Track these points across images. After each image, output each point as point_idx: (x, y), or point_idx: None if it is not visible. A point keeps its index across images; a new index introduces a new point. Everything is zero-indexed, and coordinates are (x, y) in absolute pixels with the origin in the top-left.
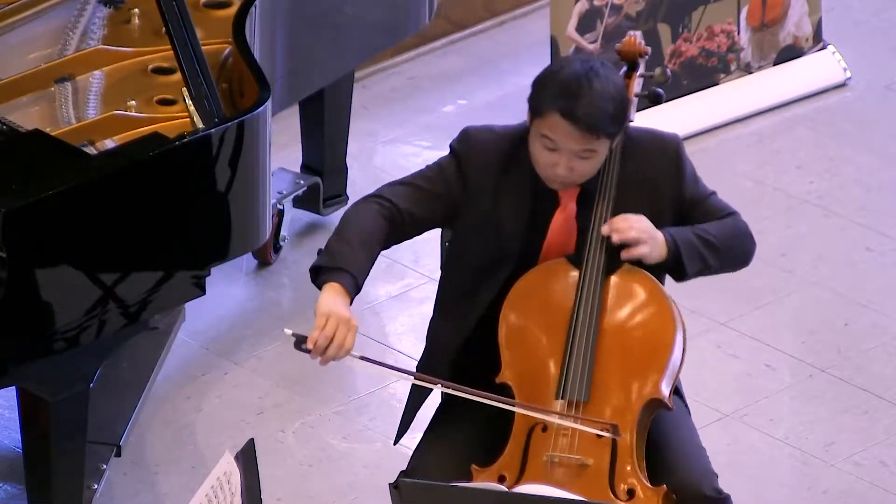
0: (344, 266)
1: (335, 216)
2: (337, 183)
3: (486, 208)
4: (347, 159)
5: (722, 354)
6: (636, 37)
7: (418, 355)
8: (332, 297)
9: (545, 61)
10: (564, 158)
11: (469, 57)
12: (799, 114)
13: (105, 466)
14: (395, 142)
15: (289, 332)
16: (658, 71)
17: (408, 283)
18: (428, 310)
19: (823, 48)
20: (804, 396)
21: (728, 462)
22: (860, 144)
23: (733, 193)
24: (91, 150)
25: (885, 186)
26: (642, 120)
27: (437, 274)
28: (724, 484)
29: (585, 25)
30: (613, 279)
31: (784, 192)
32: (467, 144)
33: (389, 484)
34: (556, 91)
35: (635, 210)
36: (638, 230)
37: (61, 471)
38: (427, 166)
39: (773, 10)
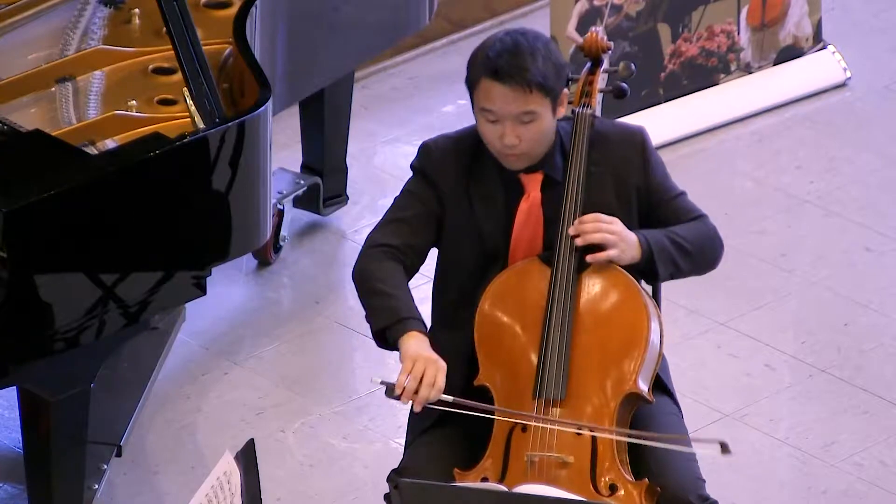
0: (404, 314)
1: (335, 216)
2: (337, 183)
3: (464, 214)
4: (347, 159)
5: (722, 354)
6: (597, 32)
7: None
8: (414, 342)
9: None
10: (508, 126)
11: (469, 57)
12: (799, 114)
13: (105, 466)
14: (395, 142)
15: (378, 380)
16: (622, 65)
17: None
18: (428, 310)
19: (823, 48)
20: (804, 396)
21: (728, 462)
22: (860, 144)
23: (733, 193)
24: (92, 151)
25: (885, 186)
26: (641, 120)
27: None
28: (725, 484)
29: (585, 25)
30: (586, 275)
31: (784, 192)
32: (428, 159)
33: (389, 483)
34: (482, 59)
35: (601, 201)
36: (606, 231)
37: (62, 471)
38: (397, 197)
39: (773, 10)
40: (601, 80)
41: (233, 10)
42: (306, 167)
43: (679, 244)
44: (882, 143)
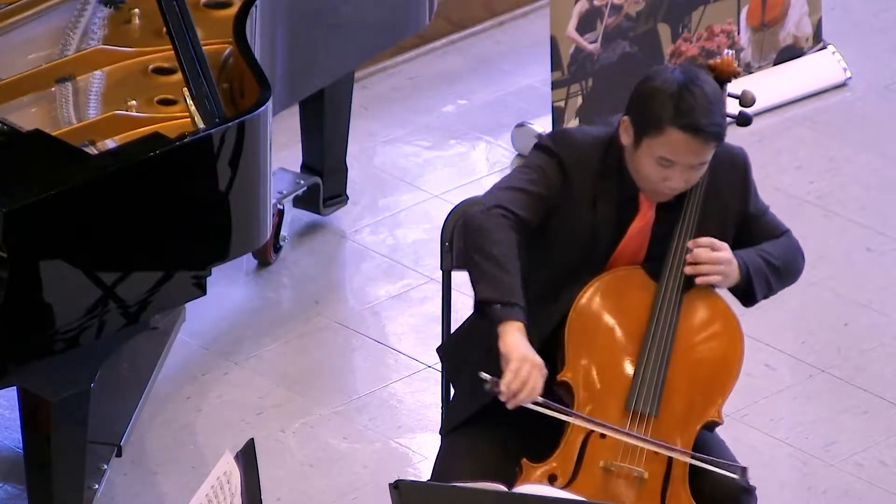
0: (516, 301)
1: (335, 216)
2: (337, 183)
3: (584, 215)
4: (347, 159)
5: None
6: (731, 55)
7: (418, 355)
8: (520, 339)
9: (545, 61)
10: (678, 172)
11: (469, 57)
12: (799, 114)
13: (105, 466)
14: (395, 142)
15: (485, 376)
16: (745, 94)
17: (408, 283)
18: (428, 309)
19: (823, 48)
20: (804, 396)
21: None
22: (860, 144)
23: None
24: (92, 151)
25: (885, 186)
26: None
27: (438, 274)
28: None
29: (585, 25)
30: (689, 298)
31: (784, 192)
32: (571, 148)
33: (389, 484)
34: (670, 106)
35: (706, 222)
36: (716, 261)
37: (62, 471)
38: (525, 167)
39: (773, 10)
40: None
41: (233, 10)
42: (306, 167)
43: (772, 264)
44: (882, 143)
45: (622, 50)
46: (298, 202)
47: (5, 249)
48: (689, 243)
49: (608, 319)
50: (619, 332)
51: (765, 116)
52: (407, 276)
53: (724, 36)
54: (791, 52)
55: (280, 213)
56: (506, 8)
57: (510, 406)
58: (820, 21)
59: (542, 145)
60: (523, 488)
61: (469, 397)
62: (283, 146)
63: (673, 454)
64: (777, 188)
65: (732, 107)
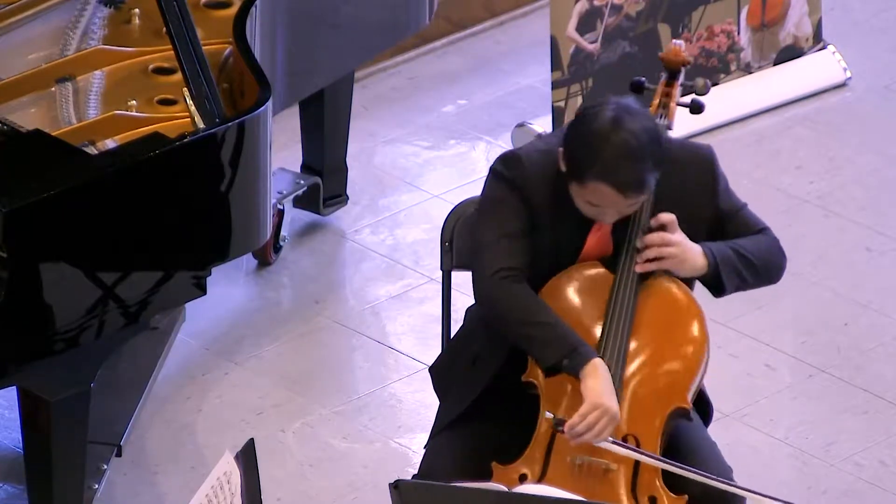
0: (579, 343)
1: (335, 216)
2: (337, 183)
3: (547, 228)
4: (347, 159)
5: (722, 354)
6: (680, 46)
7: (418, 355)
8: (600, 383)
9: (545, 61)
10: (610, 213)
11: (469, 57)
12: (799, 114)
13: (105, 466)
14: (395, 142)
15: (549, 415)
16: (700, 81)
17: (408, 283)
18: (428, 309)
19: (823, 48)
20: (804, 396)
21: (728, 462)
22: (860, 144)
23: None
24: (92, 150)
25: (885, 186)
26: None
27: (438, 274)
28: None
29: (585, 25)
30: (647, 287)
31: (784, 192)
32: (523, 171)
33: (389, 484)
34: (593, 159)
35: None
36: (667, 242)
37: (62, 471)
38: (488, 208)
39: (773, 10)
40: (678, 93)
41: (233, 10)
42: (306, 167)
43: (744, 256)
44: (882, 143)
45: (622, 50)
46: (298, 202)
47: (5, 249)
48: (652, 221)
49: (567, 318)
50: (578, 328)
51: (765, 116)
52: (407, 276)
53: (724, 36)
54: (791, 52)
55: (280, 213)
56: (506, 8)
57: (572, 444)
58: (820, 21)
59: (497, 172)
60: (523, 488)
61: (447, 410)
62: (283, 146)
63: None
64: (777, 188)
65: (686, 96)
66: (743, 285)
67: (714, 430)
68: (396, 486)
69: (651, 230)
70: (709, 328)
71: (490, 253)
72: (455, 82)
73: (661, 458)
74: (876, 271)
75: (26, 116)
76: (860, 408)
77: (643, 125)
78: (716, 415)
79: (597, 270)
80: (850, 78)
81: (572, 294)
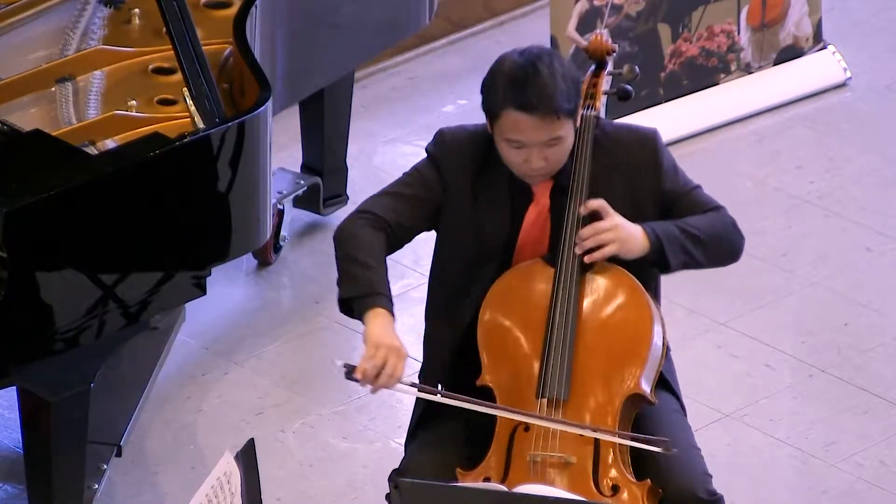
0: (378, 289)
1: (335, 216)
2: (337, 183)
3: (466, 210)
4: (347, 159)
5: (722, 354)
6: (602, 34)
7: (418, 355)
8: (380, 325)
9: None
10: (535, 152)
11: (469, 57)
12: (799, 114)
13: (105, 466)
14: (395, 142)
15: (339, 363)
16: (626, 68)
17: (408, 283)
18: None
19: (823, 48)
20: (804, 396)
21: (728, 462)
22: (860, 144)
23: (733, 193)
24: (92, 150)
25: (885, 186)
26: (641, 120)
27: None
28: (724, 484)
29: (585, 25)
30: (589, 276)
31: (784, 192)
32: (443, 147)
33: (389, 483)
34: (503, 88)
35: (614, 204)
36: (602, 237)
37: (62, 471)
38: (406, 172)
39: (773, 10)
40: (605, 83)
41: (233, 10)
42: (306, 167)
43: (690, 233)
44: (882, 143)
45: (622, 50)
46: (298, 202)
47: (5, 249)
48: (581, 208)
49: (513, 316)
50: (524, 325)
51: (765, 116)
52: (407, 276)
53: (724, 36)
54: (791, 52)
55: (280, 213)
56: (506, 8)
57: (372, 392)
58: (820, 21)
59: (426, 148)
60: (524, 488)
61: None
62: (283, 146)
63: (582, 431)
64: (777, 188)
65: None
66: (691, 262)
67: (714, 430)
68: (396, 486)
69: (582, 219)
70: (658, 310)
71: (374, 199)
72: (455, 82)
73: (565, 420)
74: (876, 271)
75: (26, 116)
76: (860, 408)
77: (556, 57)
78: (716, 415)
79: (539, 267)
80: (850, 78)
81: (517, 293)
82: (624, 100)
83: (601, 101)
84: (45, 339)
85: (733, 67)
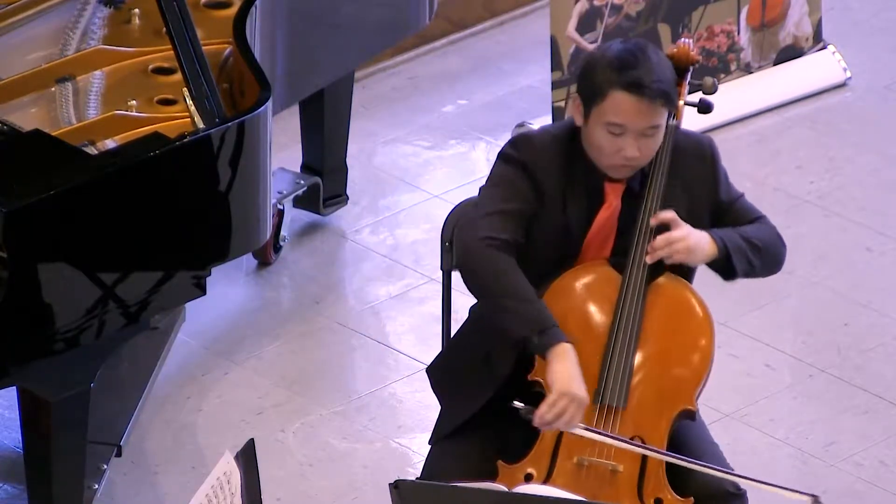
0: (549, 323)
1: (335, 216)
2: (337, 183)
3: (557, 212)
4: (347, 159)
5: (722, 354)
6: (689, 43)
7: (418, 355)
8: (567, 367)
9: (545, 61)
10: (631, 139)
11: (469, 57)
12: (799, 114)
13: (105, 466)
14: (395, 142)
15: (519, 405)
16: (707, 80)
17: (408, 283)
18: (428, 309)
19: (823, 48)
20: (804, 396)
21: (728, 462)
22: (860, 144)
23: None
24: (92, 150)
25: (885, 186)
26: None
27: (438, 274)
28: None
29: (585, 25)
30: (656, 287)
31: (784, 192)
32: (530, 152)
33: (389, 484)
34: (611, 69)
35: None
36: (670, 241)
37: (62, 471)
38: (494, 184)
39: (773, 10)
40: (686, 93)
41: (233, 10)
42: (306, 167)
43: (751, 241)
44: (882, 143)
45: None
46: (298, 202)
47: (5, 249)
48: (652, 221)
49: (573, 316)
50: (585, 327)
51: (765, 116)
52: (407, 276)
53: (724, 36)
54: (791, 52)
55: (280, 213)
56: (506, 8)
57: (542, 430)
58: (820, 21)
59: (505, 154)
60: (524, 488)
61: (457, 410)
62: (283, 146)
63: (646, 452)
64: (777, 188)
65: (694, 96)
66: (751, 271)
67: (714, 430)
68: (396, 486)
69: (652, 231)
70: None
71: (485, 221)
72: (455, 82)
73: (648, 446)
74: (876, 271)
75: (26, 116)
76: (860, 408)
77: (660, 55)
78: (716, 415)
79: (604, 270)
80: (850, 78)
81: (580, 294)
82: (704, 112)
83: (682, 111)
84: (45, 339)
85: (733, 67)
